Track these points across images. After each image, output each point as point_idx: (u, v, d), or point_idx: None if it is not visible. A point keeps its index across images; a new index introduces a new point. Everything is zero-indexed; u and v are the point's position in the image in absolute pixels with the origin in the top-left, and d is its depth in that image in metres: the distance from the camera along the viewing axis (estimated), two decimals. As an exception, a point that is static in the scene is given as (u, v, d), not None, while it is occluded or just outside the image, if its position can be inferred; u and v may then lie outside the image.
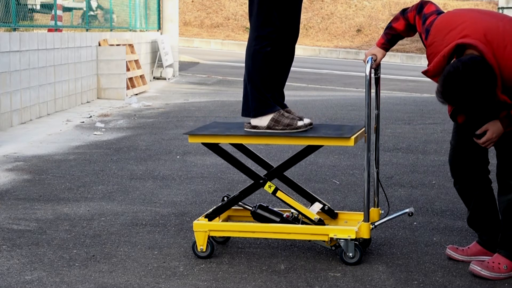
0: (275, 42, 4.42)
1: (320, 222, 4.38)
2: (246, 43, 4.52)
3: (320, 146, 4.35)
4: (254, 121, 4.44)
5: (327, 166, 7.08)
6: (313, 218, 4.38)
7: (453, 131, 4.31)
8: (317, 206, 4.58)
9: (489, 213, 4.26)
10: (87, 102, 12.81)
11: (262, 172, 4.62)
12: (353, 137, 4.22)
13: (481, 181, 4.25)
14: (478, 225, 4.33)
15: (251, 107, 4.43)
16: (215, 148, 4.44)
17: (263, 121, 4.41)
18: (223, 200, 4.65)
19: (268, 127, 4.39)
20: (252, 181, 4.45)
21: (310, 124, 4.46)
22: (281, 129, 4.37)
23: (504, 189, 4.09)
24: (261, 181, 4.41)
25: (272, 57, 4.43)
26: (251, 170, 4.47)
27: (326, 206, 4.64)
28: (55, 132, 9.39)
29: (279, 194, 4.40)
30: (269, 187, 4.39)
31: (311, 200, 4.68)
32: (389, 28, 4.30)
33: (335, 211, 4.71)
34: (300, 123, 4.38)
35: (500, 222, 4.18)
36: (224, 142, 4.41)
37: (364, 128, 4.30)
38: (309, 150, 4.38)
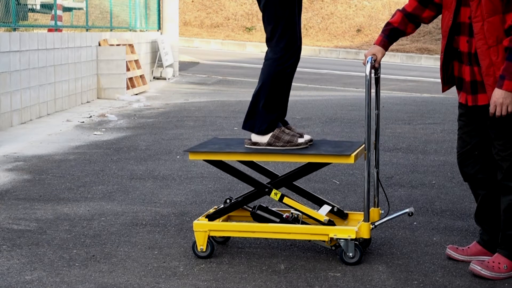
0: (295, 62, 4.44)
1: (330, 223, 4.38)
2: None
3: (323, 165, 4.35)
4: (255, 138, 4.44)
5: (327, 166, 7.06)
6: (322, 220, 4.38)
7: (458, 138, 4.33)
8: (326, 208, 4.58)
9: (493, 213, 4.26)
10: (87, 102, 12.81)
11: (259, 175, 4.62)
12: (353, 154, 4.24)
13: (488, 182, 4.24)
14: (482, 223, 4.34)
15: (257, 124, 4.41)
16: (217, 164, 4.44)
17: (263, 137, 4.40)
18: (225, 202, 4.64)
19: (268, 144, 4.39)
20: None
21: (311, 140, 4.47)
22: (281, 146, 4.37)
23: (505, 190, 4.10)
24: (266, 189, 4.41)
25: (290, 77, 4.44)
26: (255, 180, 4.47)
27: (335, 208, 4.64)
28: (55, 132, 9.39)
29: (285, 200, 4.40)
30: (275, 194, 4.40)
31: (319, 203, 4.68)
32: (386, 25, 4.32)
33: (345, 212, 4.71)
34: (300, 140, 4.39)
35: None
36: (224, 159, 4.42)
37: (363, 145, 4.31)
38: (312, 167, 4.38)
